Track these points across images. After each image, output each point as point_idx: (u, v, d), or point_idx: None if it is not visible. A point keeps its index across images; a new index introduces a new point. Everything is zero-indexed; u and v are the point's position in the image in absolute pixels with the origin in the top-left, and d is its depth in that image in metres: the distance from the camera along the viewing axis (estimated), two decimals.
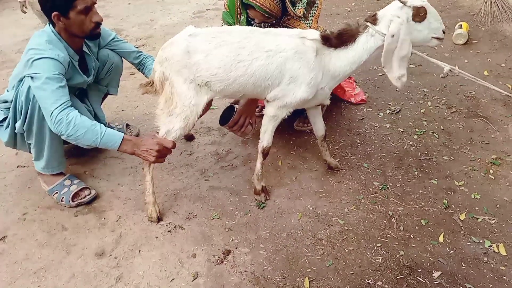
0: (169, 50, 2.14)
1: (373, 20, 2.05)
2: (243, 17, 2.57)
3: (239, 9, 2.57)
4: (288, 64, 2.05)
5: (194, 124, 2.20)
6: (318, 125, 2.48)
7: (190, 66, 2.08)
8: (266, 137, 2.28)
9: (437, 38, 2.06)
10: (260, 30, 2.17)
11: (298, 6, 2.48)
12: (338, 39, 2.08)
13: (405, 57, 2.03)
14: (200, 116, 2.53)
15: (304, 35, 2.08)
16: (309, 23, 2.53)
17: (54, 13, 2.17)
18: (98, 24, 2.28)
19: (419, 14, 1.96)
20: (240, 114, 2.52)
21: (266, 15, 2.40)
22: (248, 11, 2.47)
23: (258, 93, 2.18)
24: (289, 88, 2.09)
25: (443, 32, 2.05)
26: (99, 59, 2.62)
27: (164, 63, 2.15)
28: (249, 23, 2.57)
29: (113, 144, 2.09)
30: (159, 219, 2.31)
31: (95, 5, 2.26)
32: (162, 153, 2.12)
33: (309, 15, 2.52)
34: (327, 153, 2.55)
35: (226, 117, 2.55)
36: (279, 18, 2.51)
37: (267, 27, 2.44)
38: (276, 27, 2.38)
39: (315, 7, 2.53)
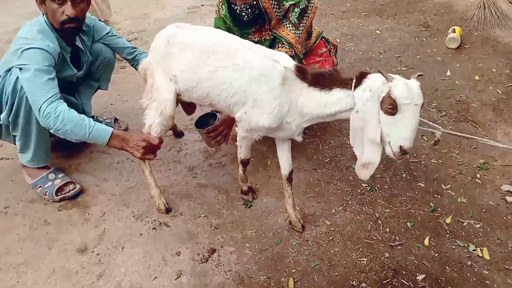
0: (156, 39, 2.14)
1: (362, 78, 1.65)
2: (224, 6, 2.47)
3: None
4: (253, 85, 1.85)
5: (171, 119, 2.16)
6: (283, 160, 2.17)
7: (167, 57, 2.06)
8: (242, 151, 2.16)
9: (391, 147, 1.57)
10: (239, 39, 2.04)
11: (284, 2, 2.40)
12: (314, 78, 1.77)
13: (374, 142, 1.59)
14: (190, 113, 2.50)
15: (277, 59, 1.86)
16: (299, 33, 2.44)
17: None
18: (71, 19, 2.16)
19: (386, 105, 1.52)
20: (222, 123, 2.40)
21: None
22: None
23: (225, 108, 2.03)
24: (253, 111, 1.89)
25: (401, 150, 1.53)
26: (92, 53, 2.58)
27: (152, 51, 2.16)
28: (231, 12, 2.47)
29: (102, 139, 2.05)
30: (168, 210, 2.30)
31: (77, 1, 2.16)
32: (149, 149, 2.09)
33: (300, 25, 2.44)
34: (290, 201, 2.17)
35: (203, 122, 2.47)
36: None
37: (254, 15, 2.38)
38: (265, 25, 2.34)
39: (306, 16, 2.46)
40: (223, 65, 1.92)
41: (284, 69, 1.81)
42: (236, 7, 2.41)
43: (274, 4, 2.38)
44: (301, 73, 1.80)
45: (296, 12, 2.41)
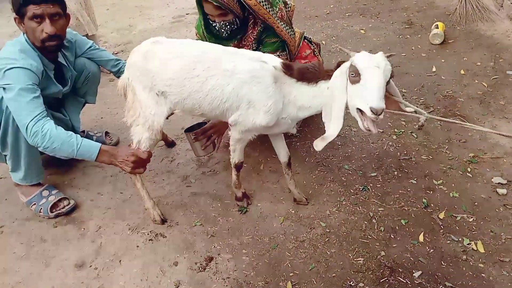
0: (132, 56, 2.14)
1: (339, 66, 1.79)
2: (201, 23, 2.47)
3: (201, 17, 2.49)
4: (245, 88, 1.92)
5: (160, 133, 2.15)
6: (281, 151, 2.29)
7: (147, 72, 2.05)
8: (236, 155, 2.21)
9: (361, 112, 1.64)
10: (221, 47, 2.07)
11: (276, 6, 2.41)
12: (300, 74, 1.90)
13: (338, 117, 1.74)
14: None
15: (264, 60, 1.95)
16: (292, 32, 2.47)
17: (15, 16, 2.15)
18: (51, 36, 2.16)
19: (349, 74, 1.66)
20: (212, 126, 2.44)
21: (218, 7, 2.25)
22: (203, 7, 2.34)
23: (219, 115, 2.08)
24: (248, 113, 1.97)
25: (372, 112, 1.56)
26: (76, 68, 2.58)
27: (129, 68, 2.15)
28: (209, 29, 2.47)
29: (90, 156, 2.06)
30: (163, 221, 2.31)
31: (55, 18, 2.17)
32: (138, 163, 2.10)
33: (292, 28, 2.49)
34: (292, 182, 2.35)
35: (193, 130, 2.50)
36: (242, 19, 2.38)
37: (232, 31, 2.39)
38: (242, 40, 2.36)
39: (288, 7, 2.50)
40: (211, 73, 1.95)
41: (273, 69, 1.91)
42: (215, 24, 2.40)
43: (267, 7, 2.36)
44: (288, 70, 1.92)
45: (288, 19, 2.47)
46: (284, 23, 2.44)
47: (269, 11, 2.35)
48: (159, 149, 2.90)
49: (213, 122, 2.47)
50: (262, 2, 2.32)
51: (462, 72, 3.47)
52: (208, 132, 2.44)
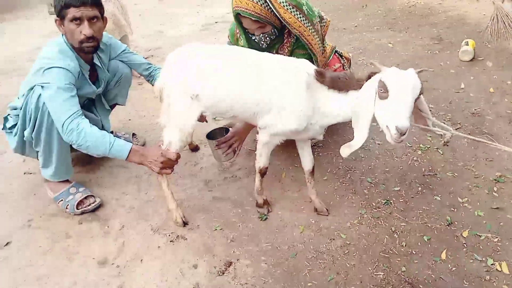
0: (172, 59, 2.20)
1: (371, 77, 1.80)
2: (242, 37, 2.52)
3: (237, 30, 2.55)
4: (278, 92, 1.98)
5: (191, 136, 2.21)
6: (306, 158, 2.33)
7: (182, 76, 2.11)
8: (262, 159, 2.24)
9: (389, 130, 1.62)
10: (256, 52, 2.13)
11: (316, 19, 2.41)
12: (332, 82, 1.93)
13: (364, 126, 1.75)
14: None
15: (298, 65, 2.02)
16: (324, 44, 2.48)
17: (56, 18, 2.24)
18: (88, 38, 2.24)
19: (378, 89, 1.66)
20: (233, 135, 2.48)
21: (256, 21, 2.30)
22: (242, 23, 2.40)
23: (249, 118, 2.14)
24: (279, 117, 2.01)
25: (398, 131, 1.56)
26: (110, 70, 2.67)
27: (165, 72, 2.22)
28: (249, 42, 2.51)
29: (121, 155, 2.13)
30: (185, 223, 2.34)
31: (93, 20, 2.26)
32: (167, 164, 2.16)
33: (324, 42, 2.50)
34: (314, 191, 2.37)
35: (214, 135, 2.56)
36: (280, 29, 2.42)
37: (271, 40, 2.43)
38: (281, 47, 2.38)
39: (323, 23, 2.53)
40: (246, 78, 2.02)
41: (307, 75, 1.95)
42: (254, 37, 2.45)
43: (308, 24, 2.37)
44: (320, 77, 1.96)
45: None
46: (318, 37, 2.45)
47: (304, 23, 2.36)
48: (183, 153, 2.93)
49: (235, 130, 2.51)
50: (297, 15, 2.32)
51: (491, 90, 3.42)
52: (230, 141, 2.49)
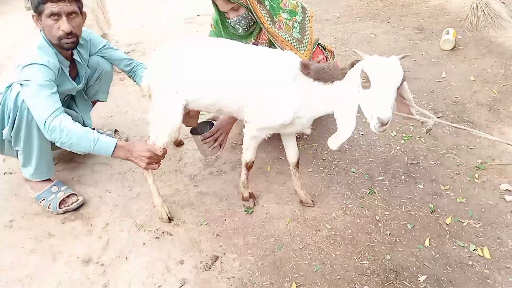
0: (155, 56, 2.18)
1: (353, 65, 1.79)
2: (218, 22, 2.51)
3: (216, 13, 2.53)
4: (264, 86, 1.96)
5: (177, 131, 2.18)
6: (291, 150, 2.30)
7: (167, 71, 2.09)
8: (248, 153, 2.22)
9: (372, 120, 1.62)
10: (240, 44, 2.12)
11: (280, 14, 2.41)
12: (316, 73, 1.90)
13: (350, 116, 1.75)
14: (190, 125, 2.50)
15: (283, 58, 2.00)
16: (303, 47, 2.46)
17: (33, 13, 2.19)
18: (67, 34, 2.19)
19: (361, 79, 1.65)
20: (218, 128, 2.48)
21: (229, 1, 2.29)
22: (217, 4, 2.38)
23: (234, 112, 2.13)
24: (265, 110, 1.99)
25: (379, 121, 1.57)
26: (90, 66, 2.62)
27: (151, 68, 2.19)
28: (225, 27, 2.50)
29: (106, 151, 2.10)
30: (170, 219, 2.32)
31: (72, 16, 2.20)
32: (153, 159, 2.14)
33: (304, 39, 2.47)
34: (299, 183, 2.35)
35: (198, 130, 2.54)
36: (249, 10, 2.35)
37: (247, 25, 2.41)
38: (261, 34, 2.36)
39: (308, 27, 2.49)
40: (232, 70, 2.00)
41: (293, 67, 1.92)
42: (230, 20, 2.44)
43: (267, 17, 2.39)
44: (305, 69, 1.93)
45: (296, 27, 2.44)
46: (284, 33, 2.41)
47: (263, 14, 2.36)
48: (167, 149, 2.92)
49: (219, 123, 2.50)
50: (261, 9, 2.33)
51: (472, 78, 3.46)
52: (215, 134, 2.47)
